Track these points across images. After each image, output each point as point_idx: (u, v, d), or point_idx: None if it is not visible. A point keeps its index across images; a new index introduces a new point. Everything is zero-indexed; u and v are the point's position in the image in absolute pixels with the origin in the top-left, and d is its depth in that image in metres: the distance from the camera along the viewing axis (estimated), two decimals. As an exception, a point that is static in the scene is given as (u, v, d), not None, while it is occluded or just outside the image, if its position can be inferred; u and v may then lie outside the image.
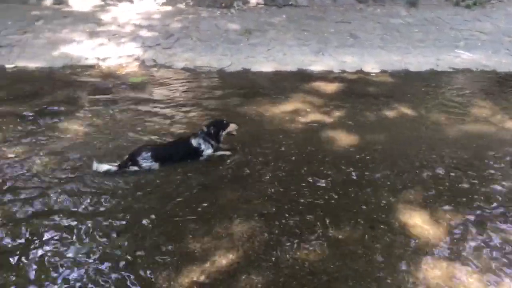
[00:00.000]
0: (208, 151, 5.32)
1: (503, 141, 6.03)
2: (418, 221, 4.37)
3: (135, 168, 5.01)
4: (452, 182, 5.04)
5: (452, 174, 5.19)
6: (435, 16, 11.16)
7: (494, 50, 9.60)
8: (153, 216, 4.35)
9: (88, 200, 4.53)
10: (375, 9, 11.54)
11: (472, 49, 9.54)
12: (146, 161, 5.02)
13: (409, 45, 9.58)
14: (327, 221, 4.36)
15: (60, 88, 7.14)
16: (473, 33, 10.37)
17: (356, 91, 7.58)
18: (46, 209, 4.40)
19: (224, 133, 5.40)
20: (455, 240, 4.17)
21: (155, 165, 5.08)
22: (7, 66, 7.95)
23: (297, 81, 7.97)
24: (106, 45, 8.85)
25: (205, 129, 5.35)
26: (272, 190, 4.82)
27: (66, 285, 3.58)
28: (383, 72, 8.50)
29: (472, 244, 4.13)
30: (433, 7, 11.69)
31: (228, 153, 5.48)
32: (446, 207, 4.58)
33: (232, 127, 5.44)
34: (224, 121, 5.48)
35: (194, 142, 5.26)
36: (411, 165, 5.36)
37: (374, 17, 10.96)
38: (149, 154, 5.05)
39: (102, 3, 10.96)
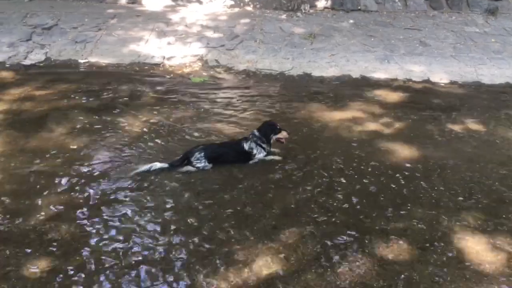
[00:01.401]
0: (260, 155, 5.31)
1: None
2: (473, 247, 4.07)
3: (189, 168, 5.10)
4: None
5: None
6: (516, 26, 10.39)
7: None
8: (197, 217, 4.40)
9: (137, 195, 4.67)
10: (449, 17, 10.95)
11: (556, 63, 8.77)
12: (200, 161, 5.09)
13: (484, 55, 8.99)
14: (376, 237, 4.18)
15: (125, 84, 7.45)
16: (558, 45, 9.54)
17: (421, 102, 7.24)
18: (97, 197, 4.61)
19: (275, 137, 5.35)
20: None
21: (208, 166, 5.14)
22: (80, 61, 8.43)
23: (358, 89, 7.76)
24: (173, 44, 9.11)
25: (256, 132, 5.33)
26: (321, 199, 4.70)
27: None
28: (452, 83, 8.06)
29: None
30: (515, 16, 10.89)
31: (278, 157, 5.43)
32: (507, 235, 4.22)
33: (283, 134, 5.38)
34: (277, 126, 5.43)
35: (245, 146, 5.26)
36: (473, 185, 5.01)
37: (447, 25, 10.39)
38: (202, 154, 5.12)
39: (173, 3, 11.31)
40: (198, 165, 5.09)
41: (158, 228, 4.23)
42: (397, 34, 9.89)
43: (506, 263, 3.91)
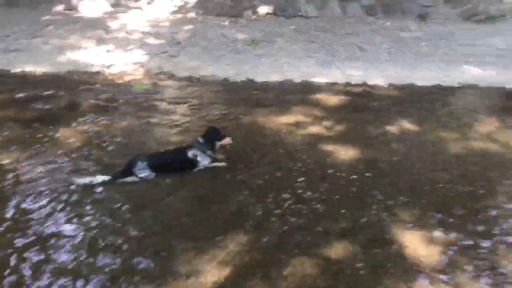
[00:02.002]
0: (204, 162, 5.29)
1: (506, 160, 5.89)
2: (413, 242, 4.26)
3: (133, 178, 4.99)
4: (451, 202, 4.92)
5: (452, 194, 5.07)
6: (445, 31, 11.03)
7: (504, 66, 9.44)
8: (141, 230, 4.29)
9: (70, 212, 4.49)
10: (384, 22, 11.46)
11: (481, 65, 9.40)
12: (143, 171, 4.99)
13: (417, 59, 9.49)
14: (320, 238, 4.28)
15: (63, 94, 7.20)
16: (483, 48, 10.22)
17: (360, 104, 7.51)
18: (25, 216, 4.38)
19: (219, 144, 5.36)
20: (448, 263, 4.04)
21: (152, 175, 5.05)
22: (13, 71, 8.04)
23: (301, 93, 7.93)
24: (113, 52, 8.91)
25: (200, 139, 5.31)
26: (265, 204, 4.74)
27: None
28: (389, 86, 8.42)
29: (465, 267, 4.00)
30: (444, 22, 11.56)
31: (223, 164, 5.44)
32: (443, 228, 4.45)
33: (227, 140, 5.40)
34: (221, 132, 5.44)
35: (189, 153, 5.22)
36: (411, 183, 5.25)
37: (383, 31, 10.88)
38: (145, 163, 5.02)
39: (113, 9, 11.06)
40: (142, 175, 4.99)
41: (101, 251, 4.09)
42: (337, 40, 10.22)
43: (440, 256, 4.11)
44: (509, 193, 5.11)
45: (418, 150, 6.06)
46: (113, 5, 11.10)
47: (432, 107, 7.55)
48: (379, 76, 8.67)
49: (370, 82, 8.47)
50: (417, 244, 4.25)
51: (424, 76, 8.78)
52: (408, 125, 6.73)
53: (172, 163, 5.21)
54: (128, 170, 5.00)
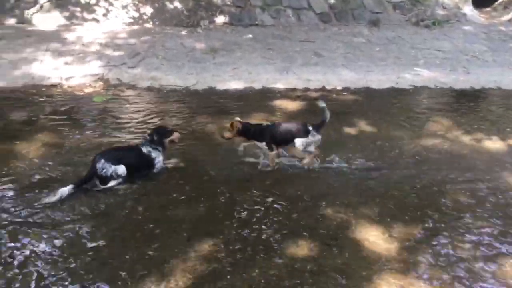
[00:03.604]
0: (159, 158, 5.34)
1: (457, 155, 6.25)
2: (372, 237, 4.46)
3: (112, 183, 4.97)
4: (405, 196, 5.19)
5: (406, 187, 5.35)
6: (396, 35, 11.56)
7: (452, 68, 10.01)
8: (105, 242, 4.28)
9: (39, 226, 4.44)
10: (338, 29, 11.87)
11: (431, 67, 9.92)
12: (106, 169, 4.93)
13: (371, 63, 9.88)
14: (284, 238, 4.41)
15: (20, 108, 7.03)
16: (432, 51, 10.79)
17: (318, 108, 7.70)
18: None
19: (167, 140, 5.43)
20: (407, 254, 4.26)
21: (119, 168, 5.00)
22: (-35, 87, 7.79)
23: (261, 99, 8.10)
24: (70, 64, 8.78)
25: (148, 137, 5.38)
26: (228, 208, 4.83)
27: None
28: (345, 89, 8.73)
29: (424, 257, 4.24)
30: (394, 27, 12.11)
31: (178, 162, 5.59)
32: (399, 222, 4.69)
33: (175, 135, 5.50)
34: (168, 128, 5.57)
35: (144, 149, 5.27)
36: (367, 181, 5.48)
37: (337, 36, 11.27)
38: (102, 160, 4.95)
39: (68, 22, 10.89)
40: (108, 172, 4.93)
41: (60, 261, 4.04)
42: (293, 47, 10.49)
43: (400, 250, 4.32)
44: (462, 188, 5.40)
45: (376, 151, 6.31)
46: (68, 18, 10.93)
47: (387, 108, 7.89)
48: (336, 80, 8.97)
49: (328, 87, 8.75)
50: (376, 238, 4.45)
51: (379, 79, 9.15)
52: (365, 126, 7.01)
53: (130, 157, 5.17)
54: (92, 175, 4.94)
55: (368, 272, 4.01)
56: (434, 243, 4.43)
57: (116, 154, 5.15)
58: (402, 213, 4.87)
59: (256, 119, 7.07)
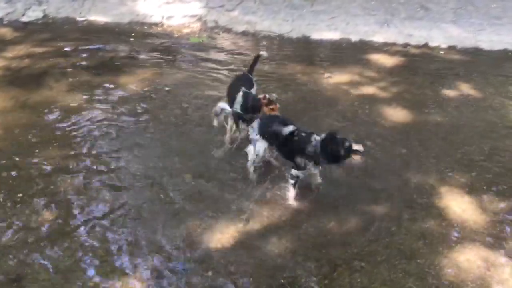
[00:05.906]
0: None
1: None
2: (459, 206, 4.24)
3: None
4: (502, 169, 4.79)
5: (504, 160, 4.93)
6: (518, -9, 10.25)
7: None
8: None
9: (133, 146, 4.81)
10: (452, -20, 10.78)
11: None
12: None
13: (484, 21, 8.91)
14: (364, 195, 4.35)
15: (124, 43, 7.48)
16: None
17: (418, 66, 7.26)
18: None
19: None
20: (495, 229, 4.01)
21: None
22: (79, 19, 8.38)
23: (357, 52, 7.77)
24: (172, 3, 9.02)
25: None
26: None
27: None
28: (451, 48, 8.04)
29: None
30: (518, -19, 10.72)
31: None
32: (492, 195, 4.39)
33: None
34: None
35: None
36: (464, 148, 5.13)
37: (449, -11, 10.26)
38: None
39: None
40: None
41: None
42: (398, -3, 9.77)
43: (488, 223, 4.07)
44: None
45: (478, 115, 5.82)
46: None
47: (496, 72, 7.17)
48: (441, 37, 8.27)
49: (431, 44, 8.12)
50: (464, 209, 4.22)
51: (491, 39, 8.27)
52: (468, 90, 6.47)
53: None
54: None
55: (449, 240, 3.87)
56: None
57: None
58: (497, 186, 4.53)
59: (350, 73, 6.84)
